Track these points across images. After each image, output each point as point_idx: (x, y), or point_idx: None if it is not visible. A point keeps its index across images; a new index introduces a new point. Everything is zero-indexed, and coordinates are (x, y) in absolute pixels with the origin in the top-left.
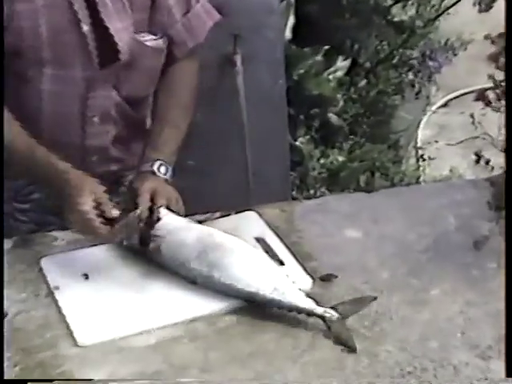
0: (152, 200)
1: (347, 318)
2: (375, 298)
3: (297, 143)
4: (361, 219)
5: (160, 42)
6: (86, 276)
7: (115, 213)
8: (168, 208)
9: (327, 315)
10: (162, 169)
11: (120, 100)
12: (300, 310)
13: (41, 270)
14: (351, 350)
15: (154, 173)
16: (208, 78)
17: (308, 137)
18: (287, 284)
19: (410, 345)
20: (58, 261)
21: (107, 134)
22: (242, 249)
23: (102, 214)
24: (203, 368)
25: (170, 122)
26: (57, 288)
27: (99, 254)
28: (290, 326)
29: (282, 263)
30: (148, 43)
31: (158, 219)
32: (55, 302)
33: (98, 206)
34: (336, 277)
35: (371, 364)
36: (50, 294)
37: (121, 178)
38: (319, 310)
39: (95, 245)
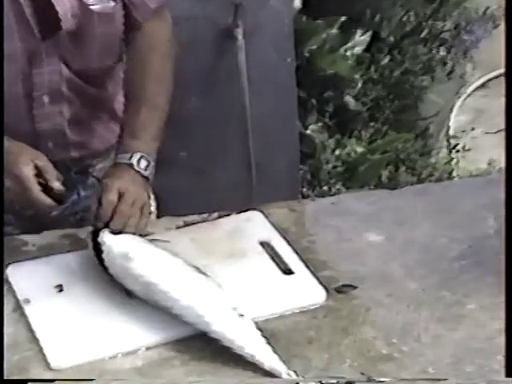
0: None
1: None
2: None
3: (308, 132)
4: (383, 221)
5: (109, 6)
6: (61, 288)
7: (58, 185)
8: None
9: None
10: (143, 163)
11: (71, 75)
12: (257, 362)
13: (7, 279)
14: None
15: (132, 166)
16: (204, 56)
17: (321, 124)
18: (244, 332)
19: (442, 369)
20: (28, 269)
21: (60, 114)
22: (189, 301)
23: (43, 184)
24: None
25: (146, 100)
26: (26, 301)
27: (76, 261)
28: None
29: (290, 272)
30: (94, 7)
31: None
32: (24, 317)
33: (39, 175)
34: (355, 288)
35: None
36: (18, 308)
37: (88, 167)
38: (280, 368)
39: (71, 251)
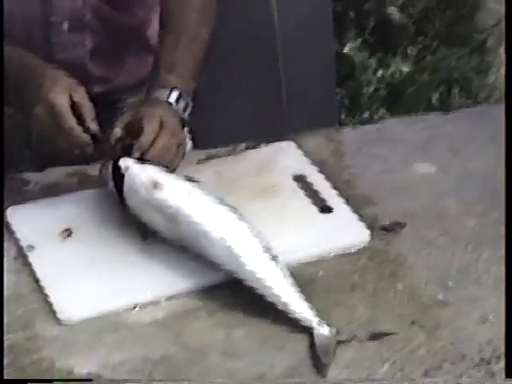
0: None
1: (343, 342)
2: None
3: (345, 50)
4: (435, 150)
5: None
6: (69, 232)
7: (94, 126)
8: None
9: (318, 328)
10: (181, 103)
11: (98, 1)
12: (286, 311)
13: (8, 224)
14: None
15: (170, 104)
16: None
17: (360, 41)
18: (274, 274)
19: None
20: (31, 212)
21: (82, 45)
22: (220, 234)
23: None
24: (226, 351)
25: (187, 31)
26: (31, 248)
27: (85, 201)
28: None
29: (329, 209)
30: None
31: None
32: (28, 266)
33: (74, 111)
34: (404, 226)
35: (453, 343)
36: (21, 256)
37: (116, 103)
38: (311, 318)
39: (79, 190)
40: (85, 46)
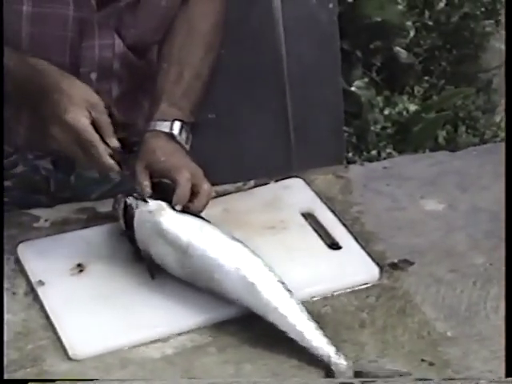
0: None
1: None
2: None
3: (352, 89)
4: (443, 187)
5: None
6: (80, 267)
7: (115, 142)
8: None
9: (335, 358)
10: (184, 134)
11: (125, 50)
12: (303, 342)
13: (18, 260)
14: None
15: (173, 136)
16: (234, 1)
17: (367, 80)
18: (289, 305)
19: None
20: (42, 248)
21: (109, 93)
22: (233, 265)
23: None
24: None
25: (191, 66)
26: (40, 284)
27: (95, 237)
28: None
29: (337, 246)
30: None
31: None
32: (38, 302)
33: (93, 125)
34: (412, 264)
35: (462, 381)
36: (32, 291)
37: (133, 145)
38: (329, 349)
39: (89, 226)
40: (111, 94)
